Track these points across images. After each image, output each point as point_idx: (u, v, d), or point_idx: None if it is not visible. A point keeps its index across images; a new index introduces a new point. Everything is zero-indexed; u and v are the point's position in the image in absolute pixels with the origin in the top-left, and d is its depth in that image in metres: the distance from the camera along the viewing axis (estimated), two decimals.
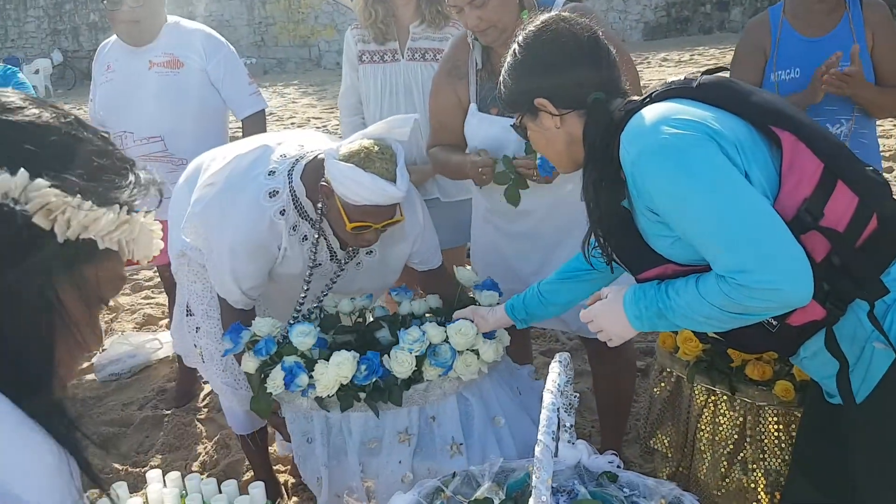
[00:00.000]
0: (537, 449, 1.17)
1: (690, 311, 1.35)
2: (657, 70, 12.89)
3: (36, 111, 0.83)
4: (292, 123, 10.53)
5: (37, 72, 18.19)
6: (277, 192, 1.97)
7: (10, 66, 3.03)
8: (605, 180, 1.43)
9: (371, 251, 2.16)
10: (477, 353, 1.94)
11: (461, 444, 1.90)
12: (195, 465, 2.83)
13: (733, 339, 1.46)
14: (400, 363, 1.87)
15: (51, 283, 0.80)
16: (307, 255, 2.05)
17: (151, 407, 3.29)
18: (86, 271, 0.83)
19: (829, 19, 2.41)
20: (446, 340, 1.92)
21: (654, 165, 1.32)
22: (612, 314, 1.50)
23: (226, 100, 3.02)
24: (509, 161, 2.08)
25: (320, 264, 2.11)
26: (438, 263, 2.26)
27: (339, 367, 1.84)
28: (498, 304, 2.04)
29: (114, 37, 3.05)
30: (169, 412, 3.20)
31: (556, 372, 1.28)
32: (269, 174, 1.98)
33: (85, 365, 3.79)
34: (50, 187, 0.77)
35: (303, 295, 2.09)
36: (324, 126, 9.77)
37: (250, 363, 1.96)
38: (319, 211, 1.99)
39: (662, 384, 2.01)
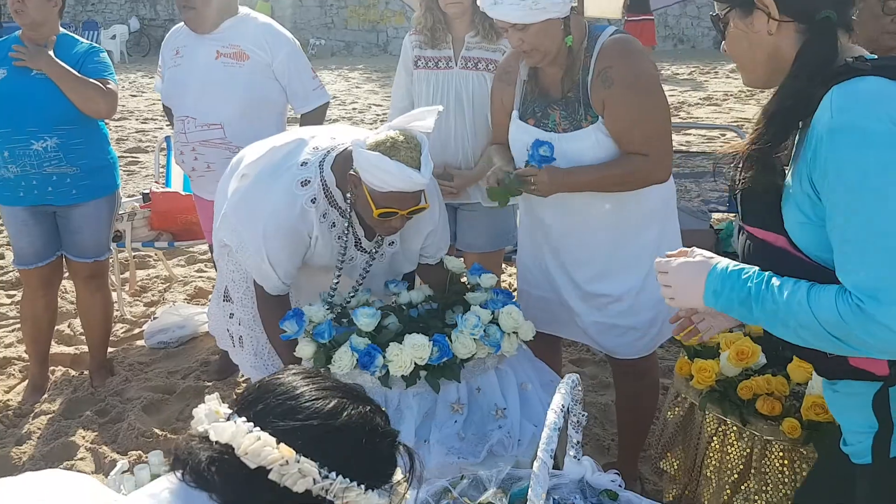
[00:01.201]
0: (535, 465, 1.25)
1: (785, 314, 1.22)
2: (724, 81, 12.70)
3: (351, 412, 1.08)
4: (354, 108, 10.70)
5: (113, 37, 18.76)
6: (309, 181, 2.11)
7: (95, 46, 3.19)
8: (790, 116, 1.28)
9: (393, 242, 2.30)
10: (517, 333, 2.16)
11: (504, 408, 2.10)
12: None
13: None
14: (463, 345, 2.04)
15: None
16: (337, 245, 2.18)
17: (194, 377, 3.46)
18: None
19: None
20: (493, 321, 2.14)
21: (850, 146, 1.17)
22: (690, 276, 1.37)
23: (289, 95, 3.14)
24: (512, 181, 2.17)
25: (352, 258, 2.23)
26: (441, 257, 2.41)
27: (415, 349, 1.99)
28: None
29: (182, 23, 3.20)
30: (210, 384, 3.37)
31: (561, 393, 1.36)
32: (301, 165, 2.13)
33: (136, 331, 3.99)
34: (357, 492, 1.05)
35: (333, 285, 2.22)
36: (384, 113, 9.90)
37: (307, 348, 2.09)
38: (348, 200, 2.12)
39: (677, 409, 2.07)
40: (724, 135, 7.52)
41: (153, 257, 4.92)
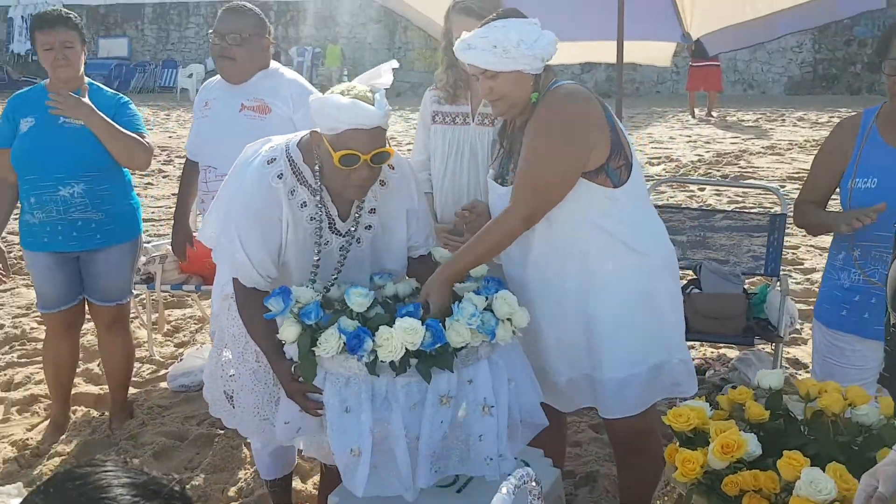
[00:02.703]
0: None
1: None
2: (791, 129, 12.36)
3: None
4: (408, 149, 10.80)
5: (190, 76, 19.54)
6: (275, 159, 2.09)
7: (122, 96, 3.29)
8: None
9: (370, 226, 2.23)
10: (511, 320, 2.05)
11: (492, 406, 1.99)
12: (232, 490, 2.97)
13: None
14: (458, 333, 1.94)
15: None
16: (310, 228, 2.12)
17: (208, 424, 3.47)
18: None
19: None
20: (487, 308, 2.04)
21: None
22: None
23: None
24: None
25: (327, 242, 2.17)
26: (431, 247, 2.35)
27: (407, 333, 1.89)
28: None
29: (218, 76, 3.26)
30: (221, 432, 3.36)
31: (502, 493, 1.28)
32: (269, 150, 2.13)
33: (162, 372, 4.04)
34: None
35: (313, 272, 2.16)
36: None
37: (290, 330, 2.00)
38: (316, 173, 2.08)
39: (665, 497, 1.95)
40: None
41: (189, 297, 5.01)
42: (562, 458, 2.64)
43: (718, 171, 8.98)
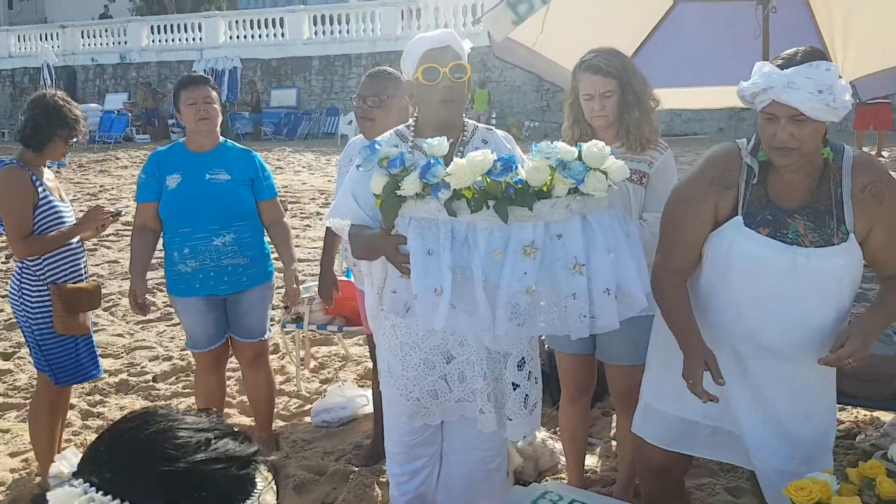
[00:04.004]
0: None
1: None
2: None
3: (194, 447, 1.04)
4: None
5: (350, 122, 20.55)
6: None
7: (251, 151, 3.59)
8: None
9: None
10: (605, 172, 2.02)
11: (583, 264, 1.97)
12: None
13: None
14: (536, 169, 1.96)
15: None
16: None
17: (345, 460, 3.64)
18: None
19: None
20: (578, 158, 2.01)
21: None
22: None
23: None
24: None
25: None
26: None
27: (474, 161, 1.95)
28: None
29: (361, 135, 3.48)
30: (357, 469, 3.52)
31: None
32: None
33: (307, 407, 4.28)
34: None
35: None
36: None
37: (379, 180, 2.10)
38: (411, 128, 2.41)
39: None
40: None
41: (334, 336, 5.28)
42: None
43: None
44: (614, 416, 3.72)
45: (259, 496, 1.06)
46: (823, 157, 2.10)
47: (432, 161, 2.01)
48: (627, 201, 2.75)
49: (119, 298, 6.52)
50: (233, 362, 3.79)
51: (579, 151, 2.03)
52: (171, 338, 5.55)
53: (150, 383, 4.70)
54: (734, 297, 2.20)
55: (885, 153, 13.42)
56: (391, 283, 2.24)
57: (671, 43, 4.42)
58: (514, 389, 2.34)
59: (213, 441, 1.05)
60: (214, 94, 3.42)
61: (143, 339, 5.53)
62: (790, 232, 2.10)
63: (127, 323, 5.93)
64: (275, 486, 1.11)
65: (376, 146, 2.14)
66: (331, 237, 3.61)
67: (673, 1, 4.38)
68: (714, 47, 4.24)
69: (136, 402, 4.40)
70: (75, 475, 1.03)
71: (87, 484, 1.00)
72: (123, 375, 4.81)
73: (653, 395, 2.47)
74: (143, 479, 1.00)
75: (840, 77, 2.01)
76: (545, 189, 1.98)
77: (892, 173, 2.11)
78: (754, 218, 2.14)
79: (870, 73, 4.25)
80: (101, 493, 0.99)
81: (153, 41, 25.88)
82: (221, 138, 3.51)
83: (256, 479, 1.07)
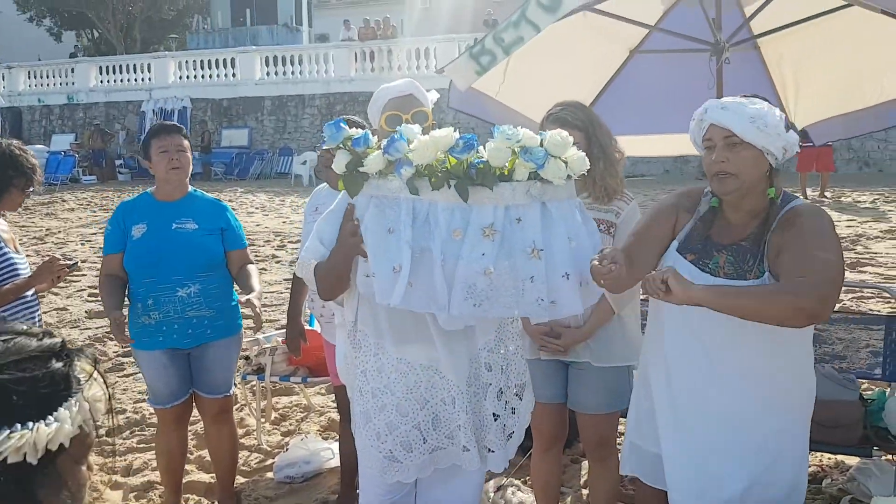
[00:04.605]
0: None
1: None
2: None
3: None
4: None
5: (304, 162, 20.51)
6: None
7: (220, 201, 3.51)
8: None
9: None
10: (566, 162, 2.04)
11: (541, 249, 1.98)
12: None
13: None
14: (497, 150, 1.97)
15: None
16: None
17: None
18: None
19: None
20: (540, 145, 2.03)
21: None
22: None
23: None
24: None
25: None
26: None
27: (437, 138, 1.96)
28: None
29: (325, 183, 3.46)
30: None
31: None
32: None
33: (268, 462, 4.16)
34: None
35: None
36: None
37: (342, 158, 2.09)
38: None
39: None
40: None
41: (296, 386, 5.16)
42: None
43: None
44: (584, 462, 3.71)
45: (83, 391, 1.01)
46: (770, 198, 2.15)
47: (396, 137, 2.03)
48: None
49: None
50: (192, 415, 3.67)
51: (541, 139, 2.06)
52: (124, 389, 5.37)
53: (103, 437, 4.51)
54: (661, 318, 2.34)
55: (828, 194, 13.89)
56: (363, 267, 2.19)
57: (628, 92, 4.52)
58: (496, 420, 2.33)
59: (7, 344, 0.99)
60: (186, 142, 3.35)
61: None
62: (711, 262, 2.19)
63: None
64: (99, 377, 1.05)
65: (341, 125, 2.15)
66: (298, 285, 3.55)
67: (629, 52, 4.49)
68: (670, 97, 4.34)
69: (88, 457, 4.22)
70: None
71: None
72: None
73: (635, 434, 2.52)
74: None
75: (784, 117, 2.11)
76: (506, 172, 2.02)
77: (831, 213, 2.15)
78: (686, 245, 2.26)
79: (821, 119, 4.40)
80: None
81: (101, 81, 25.57)
82: (190, 187, 3.44)
83: (75, 374, 1.01)
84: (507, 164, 2.01)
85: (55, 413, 0.98)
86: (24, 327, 1.05)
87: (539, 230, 2.02)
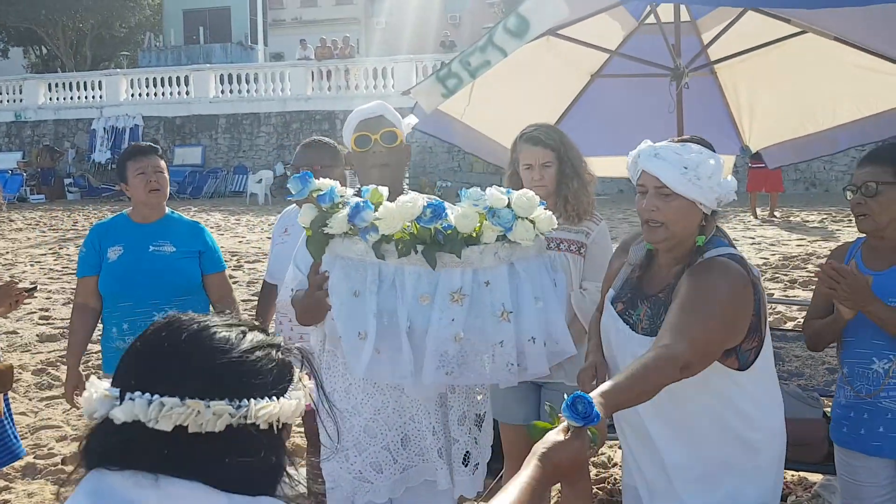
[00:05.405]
0: None
1: None
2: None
3: (230, 341, 1.13)
4: None
5: (259, 181, 20.34)
6: None
7: (198, 223, 3.48)
8: None
9: None
10: (533, 222, 2.02)
11: (511, 311, 1.97)
12: None
13: None
14: (465, 216, 1.95)
15: None
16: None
17: None
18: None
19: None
20: (507, 206, 2.01)
21: None
22: None
23: None
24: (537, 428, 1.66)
25: None
26: None
27: (404, 207, 1.93)
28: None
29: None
30: None
31: None
32: None
33: None
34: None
35: None
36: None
37: (308, 213, 2.05)
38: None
39: None
40: None
41: None
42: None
43: (786, 275, 8.82)
44: (556, 485, 3.72)
45: (299, 378, 1.17)
46: (697, 246, 2.02)
47: (362, 204, 2.00)
48: (568, 271, 2.80)
49: (20, 373, 6.11)
50: None
51: (508, 199, 2.05)
52: (80, 416, 5.22)
53: (60, 466, 4.39)
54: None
55: (777, 213, 14.25)
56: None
57: (589, 115, 4.60)
58: (454, 445, 2.32)
59: (247, 332, 1.14)
60: (163, 163, 3.30)
61: (49, 418, 5.19)
62: (635, 314, 2.09)
63: (30, 400, 5.57)
64: (308, 369, 1.20)
65: (307, 177, 2.11)
66: (264, 306, 3.52)
67: (590, 76, 4.58)
68: (630, 119, 4.43)
69: (45, 488, 4.09)
70: (125, 391, 1.07)
71: (148, 393, 1.05)
72: (29, 458, 4.48)
73: None
74: (202, 375, 1.07)
75: (719, 164, 1.97)
76: (474, 235, 2.01)
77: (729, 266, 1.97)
78: (620, 294, 2.18)
79: (774, 143, 4.53)
80: (165, 396, 1.05)
81: (51, 98, 25.02)
82: (168, 209, 3.38)
83: (293, 363, 1.17)
84: (474, 228, 2.00)
85: (290, 392, 1.14)
86: (252, 321, 1.20)
87: (507, 293, 2.01)
